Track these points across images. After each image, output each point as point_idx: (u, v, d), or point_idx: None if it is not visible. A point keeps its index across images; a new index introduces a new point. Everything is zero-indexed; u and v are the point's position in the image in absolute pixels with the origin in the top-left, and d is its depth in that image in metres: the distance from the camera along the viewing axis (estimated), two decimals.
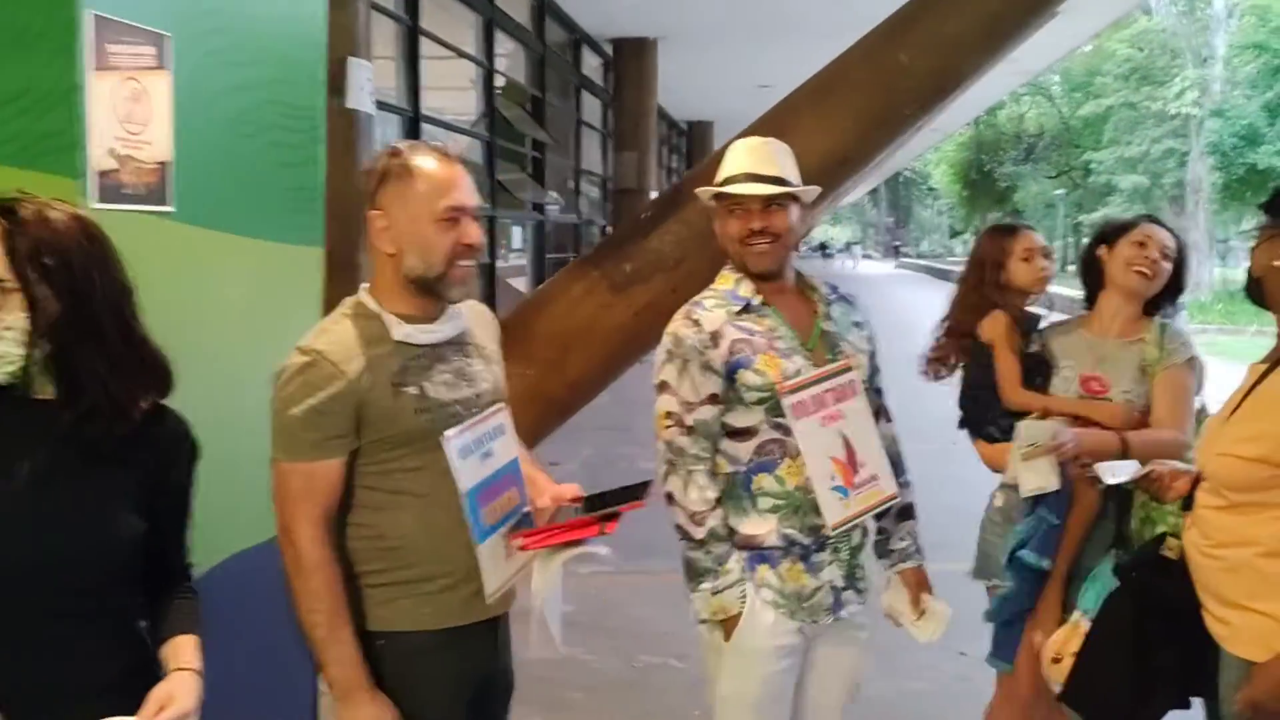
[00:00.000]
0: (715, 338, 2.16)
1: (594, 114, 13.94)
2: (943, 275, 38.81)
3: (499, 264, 9.78)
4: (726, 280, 2.26)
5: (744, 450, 2.19)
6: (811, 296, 2.32)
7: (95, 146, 1.70)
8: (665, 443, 2.18)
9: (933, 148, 40.81)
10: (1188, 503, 2.15)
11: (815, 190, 2.31)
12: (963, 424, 2.83)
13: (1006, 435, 2.63)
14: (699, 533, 2.14)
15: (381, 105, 7.19)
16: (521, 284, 10.80)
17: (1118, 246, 2.66)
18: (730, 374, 2.15)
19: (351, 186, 4.51)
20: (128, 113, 1.77)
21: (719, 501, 2.18)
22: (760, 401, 2.15)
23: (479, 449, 1.92)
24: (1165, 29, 30.15)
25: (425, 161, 1.83)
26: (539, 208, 11.25)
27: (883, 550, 2.37)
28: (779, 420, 2.15)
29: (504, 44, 10.20)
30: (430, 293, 1.86)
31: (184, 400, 1.93)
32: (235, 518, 2.11)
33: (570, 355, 4.38)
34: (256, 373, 1.85)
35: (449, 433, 1.85)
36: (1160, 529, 2.40)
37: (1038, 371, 2.72)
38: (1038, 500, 2.52)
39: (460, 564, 1.89)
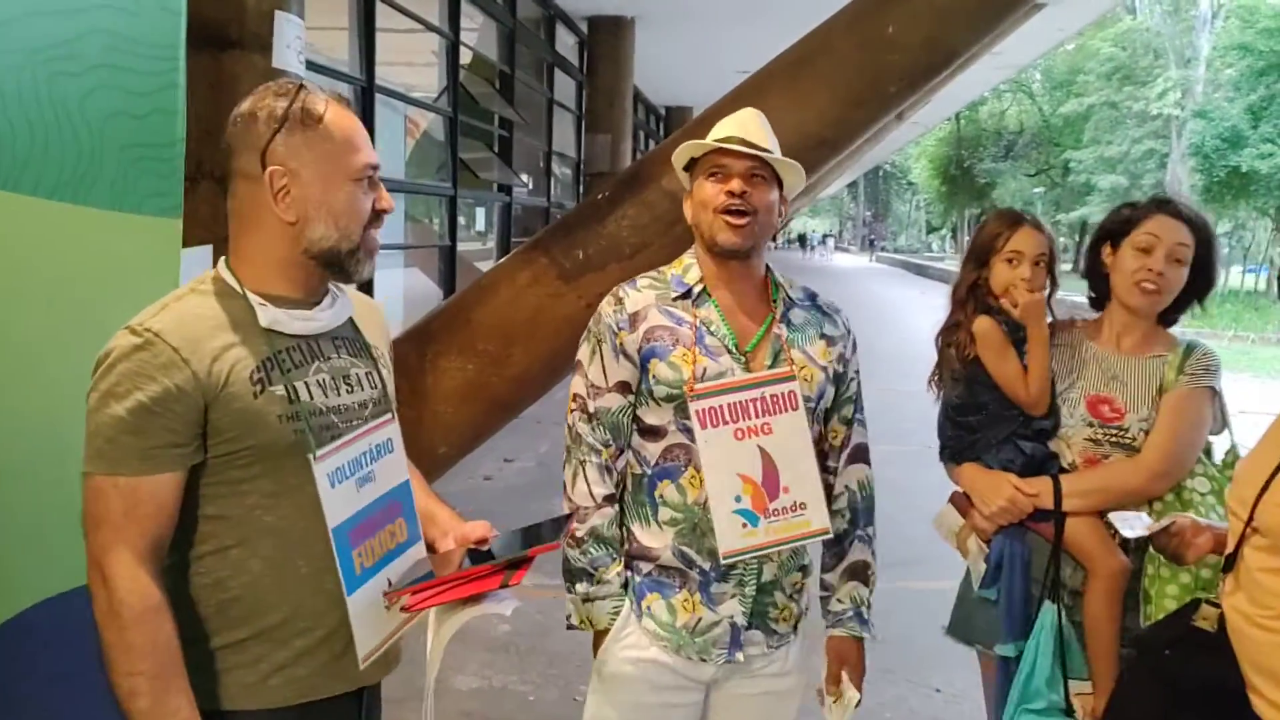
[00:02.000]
0: (634, 320, 1.96)
1: (567, 94, 13.48)
2: (919, 270, 38.71)
3: (460, 246, 9.32)
4: (678, 264, 2.04)
5: (653, 451, 1.97)
6: (774, 296, 2.02)
7: None
8: (567, 427, 2.01)
9: (913, 142, 40.59)
10: (1229, 563, 1.75)
11: (800, 174, 2.02)
12: (946, 452, 2.42)
13: (1015, 463, 2.26)
14: (578, 530, 1.95)
15: (333, 74, 6.74)
16: (487, 268, 10.35)
17: (1121, 250, 2.25)
18: (644, 363, 1.94)
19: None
20: None
21: (610, 501, 1.98)
22: (669, 399, 1.93)
23: (356, 472, 1.52)
24: (1149, 29, 29.99)
25: (333, 109, 1.48)
26: (506, 189, 10.80)
27: (823, 608, 2.09)
28: (687, 424, 1.91)
29: (474, 17, 9.73)
30: (338, 269, 1.51)
31: None
32: (49, 554, 1.68)
33: (514, 348, 3.97)
34: (77, 379, 1.42)
35: (321, 451, 1.46)
36: (1168, 591, 2.03)
37: None
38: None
39: (324, 620, 1.49)
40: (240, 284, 1.48)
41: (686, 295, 1.97)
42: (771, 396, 1.92)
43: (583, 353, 2.00)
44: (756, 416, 1.91)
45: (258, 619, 1.47)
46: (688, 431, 1.91)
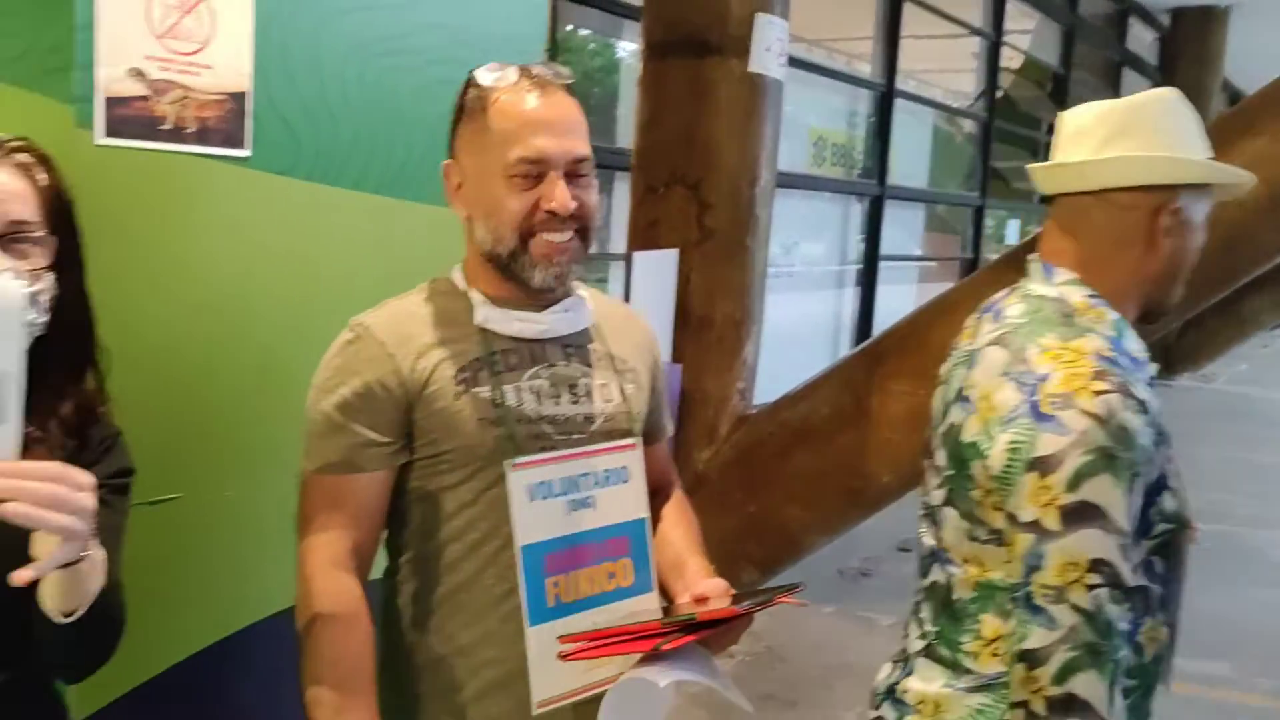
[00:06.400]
0: (1160, 432, 1.26)
1: None
2: None
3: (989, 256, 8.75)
4: (1099, 317, 1.32)
5: None
6: None
7: (108, 66, 1.35)
8: (1081, 611, 1.20)
9: None
10: None
11: None
12: None
13: None
14: None
15: (851, 80, 6.63)
16: None
17: None
18: (1151, 495, 1.26)
19: (745, 162, 4.03)
20: (172, 25, 1.41)
21: None
22: (1157, 536, 1.29)
23: (568, 492, 1.35)
24: None
25: (507, 94, 1.30)
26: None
27: None
28: (1155, 557, 1.29)
29: (1031, 17, 9.08)
30: (508, 275, 1.34)
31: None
32: None
33: None
34: None
35: (519, 460, 1.31)
36: None
37: None
38: None
39: (513, 652, 1.33)
40: (467, 282, 1.38)
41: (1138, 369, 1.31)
42: None
43: (1101, 489, 1.19)
44: None
45: (450, 638, 1.34)
46: (1149, 570, 1.30)
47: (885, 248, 6.99)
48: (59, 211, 1.15)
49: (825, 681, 3.70)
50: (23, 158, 1.13)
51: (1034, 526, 1.21)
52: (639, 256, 3.77)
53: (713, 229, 4.01)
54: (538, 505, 1.31)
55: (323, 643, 1.27)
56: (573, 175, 1.31)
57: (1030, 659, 1.20)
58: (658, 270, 3.94)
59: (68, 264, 1.16)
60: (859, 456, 3.78)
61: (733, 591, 1.37)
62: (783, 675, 3.74)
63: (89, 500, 0.96)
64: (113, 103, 1.35)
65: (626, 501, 1.39)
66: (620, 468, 1.39)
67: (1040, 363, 1.25)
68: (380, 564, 1.38)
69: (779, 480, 3.87)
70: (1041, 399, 1.22)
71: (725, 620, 1.27)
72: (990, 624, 1.31)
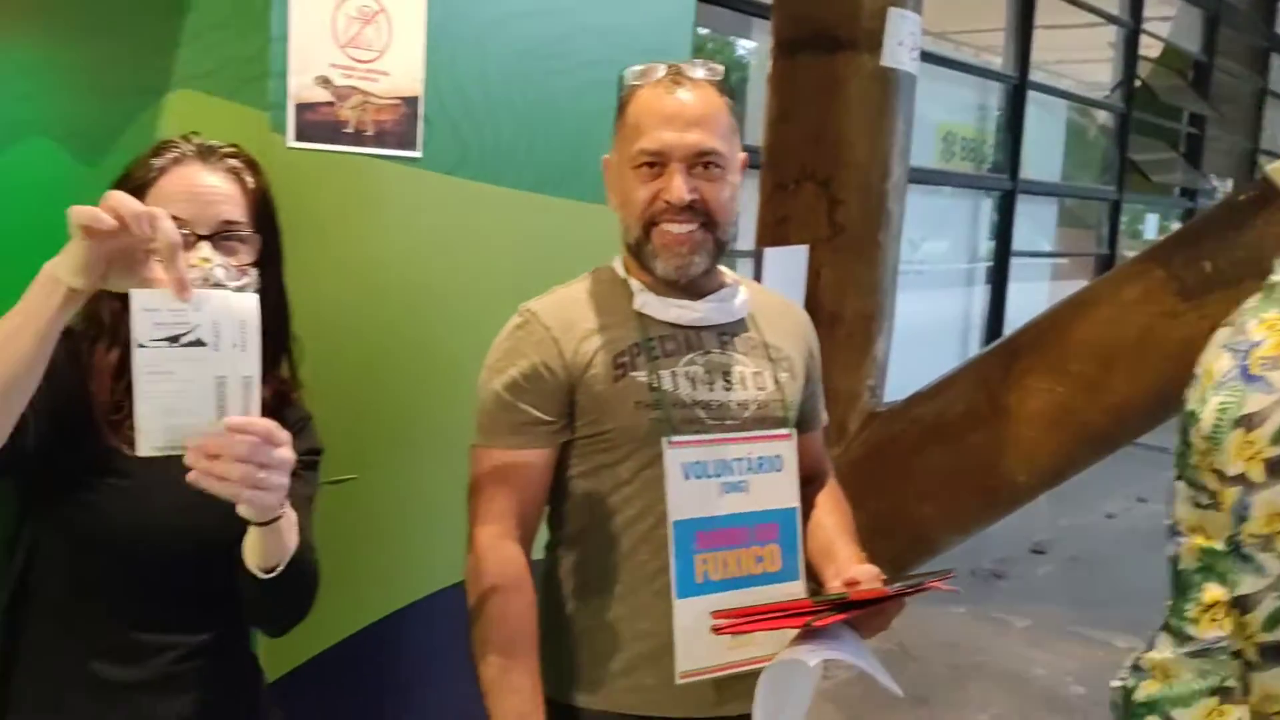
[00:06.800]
0: None
1: None
2: None
3: (1126, 254, 8.46)
4: None
5: None
6: None
7: (298, 74, 1.45)
8: None
9: None
10: None
11: None
12: None
13: None
14: None
15: (981, 72, 6.51)
16: None
17: None
18: None
19: (877, 158, 4.01)
20: (354, 35, 1.50)
21: None
22: None
23: (721, 474, 1.39)
24: None
25: (647, 90, 1.37)
26: (1190, 193, 9.57)
27: None
28: None
29: (1170, 3, 8.75)
30: (642, 265, 1.41)
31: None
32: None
33: (1114, 373, 3.44)
34: None
35: (676, 438, 1.36)
36: None
37: None
38: None
39: (663, 625, 1.38)
40: (627, 271, 1.44)
41: None
42: None
43: None
44: None
45: (605, 610, 1.41)
46: None
47: (1017, 243, 6.84)
48: (264, 212, 1.25)
49: (957, 681, 3.66)
50: (234, 163, 1.24)
51: (1240, 480, 1.24)
52: (769, 252, 3.79)
53: (843, 225, 4.00)
54: (691, 484, 1.36)
55: (490, 608, 1.35)
56: (699, 168, 1.35)
57: (1241, 605, 1.24)
58: (788, 266, 3.94)
59: (269, 260, 1.26)
60: (994, 454, 3.73)
61: (883, 577, 1.39)
62: (914, 673, 3.72)
63: (287, 454, 1.04)
64: (302, 109, 1.46)
65: (779, 489, 1.43)
66: (775, 456, 1.43)
67: (1256, 332, 1.27)
68: (542, 539, 1.46)
69: (911, 478, 3.84)
70: (1251, 362, 1.25)
71: (876, 601, 1.30)
72: (1210, 591, 1.32)
